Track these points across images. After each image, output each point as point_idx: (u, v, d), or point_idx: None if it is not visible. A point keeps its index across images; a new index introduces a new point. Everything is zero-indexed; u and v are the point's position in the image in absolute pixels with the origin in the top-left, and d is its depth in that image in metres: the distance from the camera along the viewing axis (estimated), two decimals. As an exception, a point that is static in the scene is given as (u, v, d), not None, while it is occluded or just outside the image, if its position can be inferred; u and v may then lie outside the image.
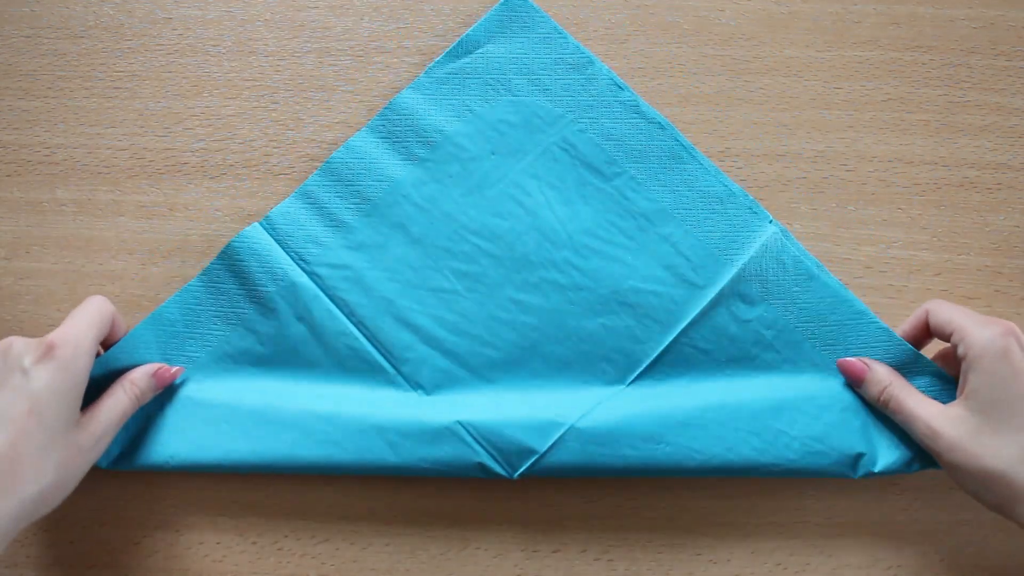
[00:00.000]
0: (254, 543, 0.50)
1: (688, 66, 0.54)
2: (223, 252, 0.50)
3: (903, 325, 0.50)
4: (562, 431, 0.48)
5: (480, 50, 0.53)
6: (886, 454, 0.48)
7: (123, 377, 0.47)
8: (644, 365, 0.50)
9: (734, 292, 0.50)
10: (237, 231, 0.52)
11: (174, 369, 0.49)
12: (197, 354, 0.50)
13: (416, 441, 0.48)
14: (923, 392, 0.47)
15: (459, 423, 0.48)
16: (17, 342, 0.43)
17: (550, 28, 0.53)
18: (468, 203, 0.51)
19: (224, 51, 0.54)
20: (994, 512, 0.44)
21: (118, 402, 0.46)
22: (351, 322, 0.50)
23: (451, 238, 0.51)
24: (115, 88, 0.54)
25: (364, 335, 0.50)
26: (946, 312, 0.46)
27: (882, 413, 0.48)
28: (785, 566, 0.50)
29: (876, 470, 0.48)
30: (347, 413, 0.48)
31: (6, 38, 0.54)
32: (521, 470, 0.48)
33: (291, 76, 0.54)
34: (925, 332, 0.48)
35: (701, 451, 0.48)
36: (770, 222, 0.51)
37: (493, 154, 0.52)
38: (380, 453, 0.48)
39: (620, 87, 0.52)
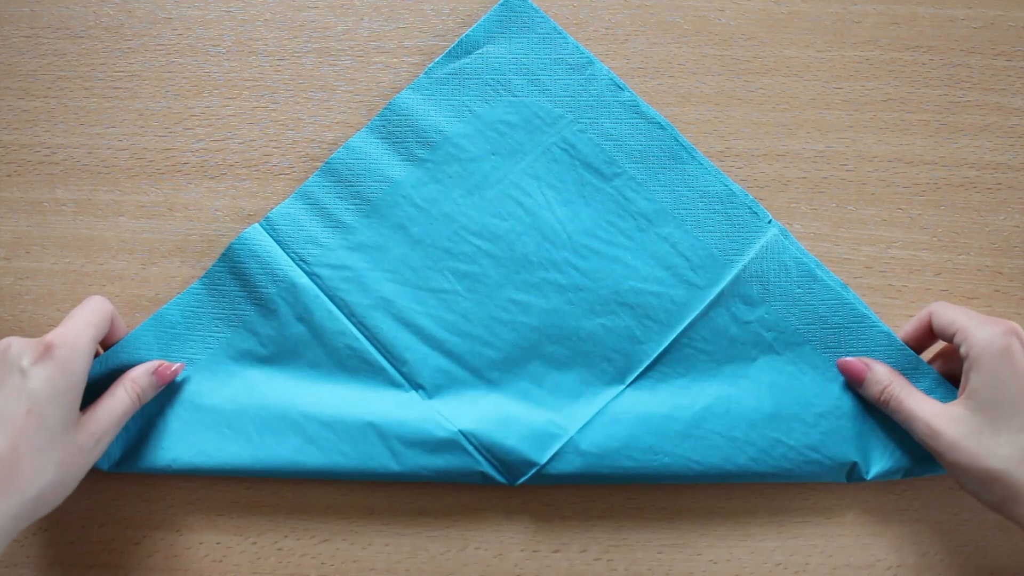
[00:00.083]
0: (254, 543, 0.50)
1: (688, 66, 0.54)
2: (224, 254, 0.50)
3: (906, 327, 0.50)
4: (562, 443, 0.48)
5: (480, 50, 0.53)
6: (879, 462, 0.48)
7: (123, 376, 0.47)
8: (644, 365, 0.50)
9: (734, 293, 0.50)
10: (237, 231, 0.52)
11: (175, 366, 0.49)
12: (198, 356, 0.50)
13: (418, 450, 0.48)
14: (922, 394, 0.48)
15: (461, 433, 0.48)
16: (15, 342, 0.43)
17: (550, 28, 0.53)
18: (468, 203, 0.51)
19: (224, 51, 0.54)
20: (994, 512, 0.44)
21: (118, 401, 0.46)
22: (351, 322, 0.50)
23: (451, 238, 0.51)
24: (115, 88, 0.54)
25: (364, 335, 0.50)
26: (949, 313, 0.46)
27: (879, 417, 0.49)
28: (785, 566, 0.50)
29: (868, 478, 0.48)
30: (349, 419, 0.48)
31: (6, 38, 0.54)
32: (522, 480, 0.48)
33: (291, 76, 0.54)
34: (928, 334, 0.48)
35: (699, 461, 0.48)
36: (769, 222, 0.51)
37: (493, 154, 0.52)
38: (383, 461, 0.48)
39: (620, 87, 0.52)
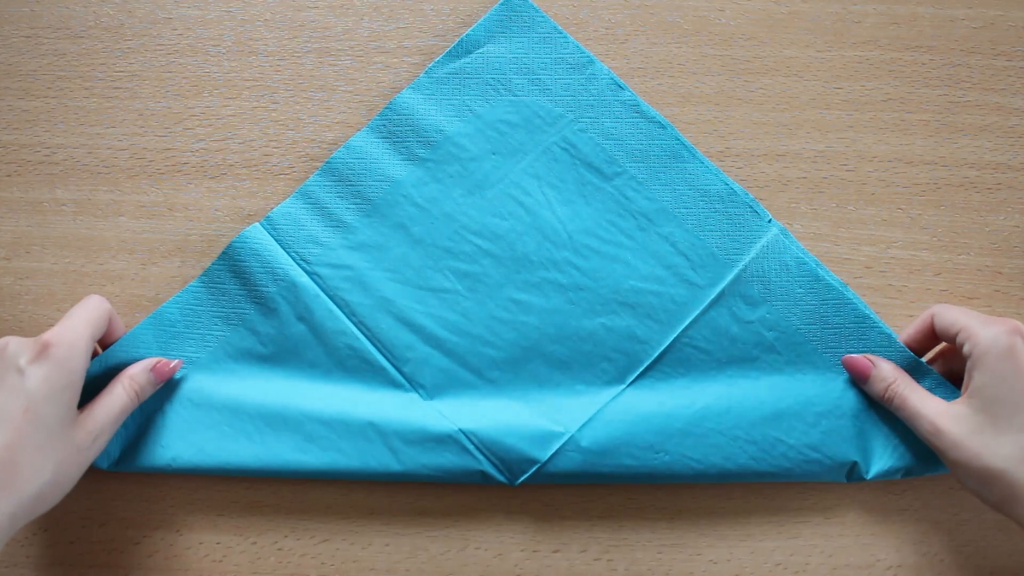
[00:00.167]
0: (254, 543, 0.50)
1: (688, 66, 0.54)
2: (224, 252, 0.50)
3: (907, 329, 0.50)
4: (562, 441, 0.48)
5: (480, 50, 0.53)
6: (879, 462, 0.49)
7: (121, 374, 0.47)
8: (644, 365, 0.50)
9: (735, 292, 0.50)
10: (237, 231, 0.52)
11: (173, 363, 0.48)
12: (198, 354, 0.50)
13: (419, 449, 0.48)
14: (922, 396, 0.48)
15: (461, 431, 0.48)
16: (13, 342, 0.43)
17: (550, 28, 0.53)
18: (468, 203, 0.51)
19: (224, 51, 0.54)
20: (995, 510, 0.44)
21: (117, 399, 0.46)
22: (352, 322, 0.50)
23: (452, 238, 0.51)
24: (115, 88, 0.54)
25: (365, 335, 0.50)
26: (951, 314, 0.46)
27: (879, 417, 0.49)
28: (785, 566, 0.50)
29: (868, 477, 0.49)
30: (349, 417, 0.48)
31: (6, 38, 0.54)
32: (522, 479, 0.48)
33: (291, 76, 0.54)
34: (930, 336, 0.48)
35: (699, 460, 0.48)
36: (770, 222, 0.51)
37: (493, 154, 0.52)
38: (383, 460, 0.48)
39: (620, 87, 0.52)
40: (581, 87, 0.52)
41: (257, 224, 0.51)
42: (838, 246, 0.53)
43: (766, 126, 0.54)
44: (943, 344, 0.50)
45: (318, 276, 0.50)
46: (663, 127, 0.52)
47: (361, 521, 0.50)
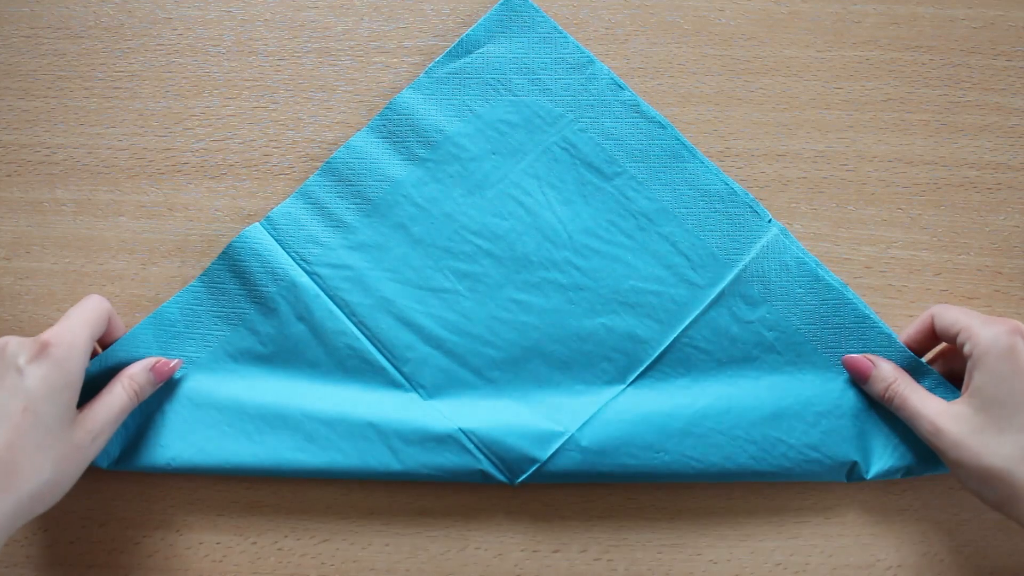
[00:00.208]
0: (254, 543, 0.50)
1: (688, 66, 0.54)
2: (224, 252, 0.50)
3: (907, 329, 0.50)
4: (563, 440, 0.48)
5: (480, 50, 0.53)
6: (879, 462, 0.49)
7: (121, 373, 0.47)
8: (645, 365, 0.50)
9: (735, 292, 0.50)
10: (237, 231, 0.52)
11: (173, 362, 0.48)
12: (198, 354, 0.50)
13: (419, 448, 0.48)
14: (922, 396, 0.48)
15: (461, 430, 0.48)
16: (12, 341, 0.43)
17: (550, 28, 0.53)
18: (468, 203, 0.51)
19: (224, 51, 0.54)
20: (995, 510, 0.44)
21: (116, 398, 0.46)
22: (352, 322, 0.50)
23: (452, 238, 0.51)
24: (115, 88, 0.54)
25: (365, 335, 0.50)
26: (952, 314, 0.46)
27: (879, 417, 0.49)
28: (785, 566, 0.50)
29: (868, 477, 0.49)
30: (349, 417, 0.48)
31: (6, 38, 0.54)
32: (522, 478, 0.48)
33: (291, 76, 0.54)
34: (930, 336, 0.48)
35: (700, 459, 0.48)
36: (770, 222, 0.51)
37: (493, 154, 0.52)
38: (383, 459, 0.48)
39: (620, 87, 0.52)
40: (581, 87, 0.52)
41: (257, 224, 0.51)
42: (838, 246, 0.53)
43: (766, 126, 0.54)
44: (943, 344, 0.50)
45: (318, 276, 0.50)
46: (663, 127, 0.52)
47: (361, 521, 0.50)
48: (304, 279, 0.50)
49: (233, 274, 0.50)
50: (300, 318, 0.50)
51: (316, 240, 0.51)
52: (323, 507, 0.50)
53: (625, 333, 0.50)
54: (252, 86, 0.54)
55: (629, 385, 0.50)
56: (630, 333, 0.50)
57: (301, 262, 0.51)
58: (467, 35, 0.53)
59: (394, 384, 0.50)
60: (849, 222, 0.53)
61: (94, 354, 0.47)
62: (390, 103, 0.52)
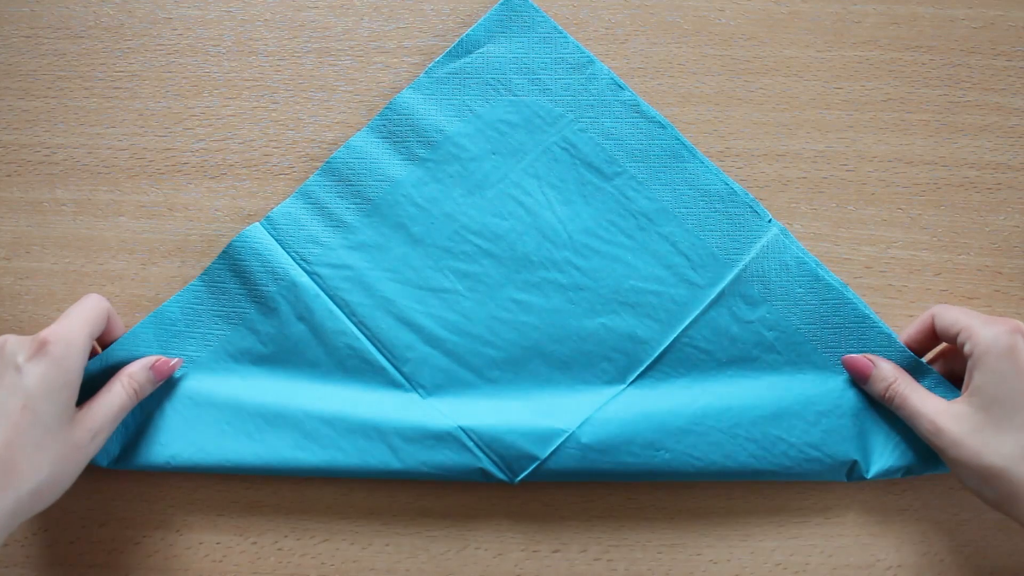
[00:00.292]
0: (254, 543, 0.50)
1: (688, 66, 0.54)
2: (224, 252, 0.50)
3: (908, 329, 0.50)
4: (563, 438, 0.48)
5: (480, 50, 0.53)
6: (879, 461, 0.49)
7: (120, 372, 0.47)
8: (645, 365, 0.50)
9: (735, 292, 0.50)
10: (237, 231, 0.52)
11: (173, 361, 0.48)
12: (198, 353, 0.50)
13: (418, 446, 0.48)
14: (922, 395, 0.48)
15: (461, 428, 0.48)
16: (11, 340, 0.43)
17: (550, 28, 0.53)
18: (468, 203, 0.51)
19: (224, 51, 0.54)
20: (994, 509, 0.44)
21: (115, 396, 0.46)
22: (352, 322, 0.50)
23: (452, 238, 0.51)
24: (115, 88, 0.54)
25: (365, 335, 0.50)
26: (952, 314, 0.46)
27: (880, 416, 0.49)
28: (785, 566, 0.50)
29: (868, 476, 0.48)
30: (349, 416, 0.48)
31: (6, 38, 0.54)
32: (522, 476, 0.48)
33: (291, 76, 0.54)
34: (930, 336, 0.48)
35: (700, 458, 0.48)
36: (770, 222, 0.51)
37: (493, 154, 0.52)
38: (382, 457, 0.48)
39: (620, 87, 0.52)
40: (581, 87, 0.52)
41: (257, 224, 0.51)
42: (838, 246, 0.53)
43: (766, 126, 0.54)
44: (943, 344, 0.50)
45: (318, 276, 0.50)
46: (663, 127, 0.52)
47: (361, 521, 0.50)
48: (304, 279, 0.50)
49: (233, 274, 0.50)
50: (300, 318, 0.50)
51: (316, 240, 0.51)
52: (323, 507, 0.50)
53: (625, 333, 0.50)
54: (252, 86, 0.54)
55: (629, 385, 0.50)
56: (630, 333, 0.50)
57: (301, 262, 0.51)
58: (467, 35, 0.53)
59: (394, 384, 0.50)
60: (849, 222, 0.53)
61: (93, 353, 0.47)
62: (390, 103, 0.52)
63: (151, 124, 0.54)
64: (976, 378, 0.44)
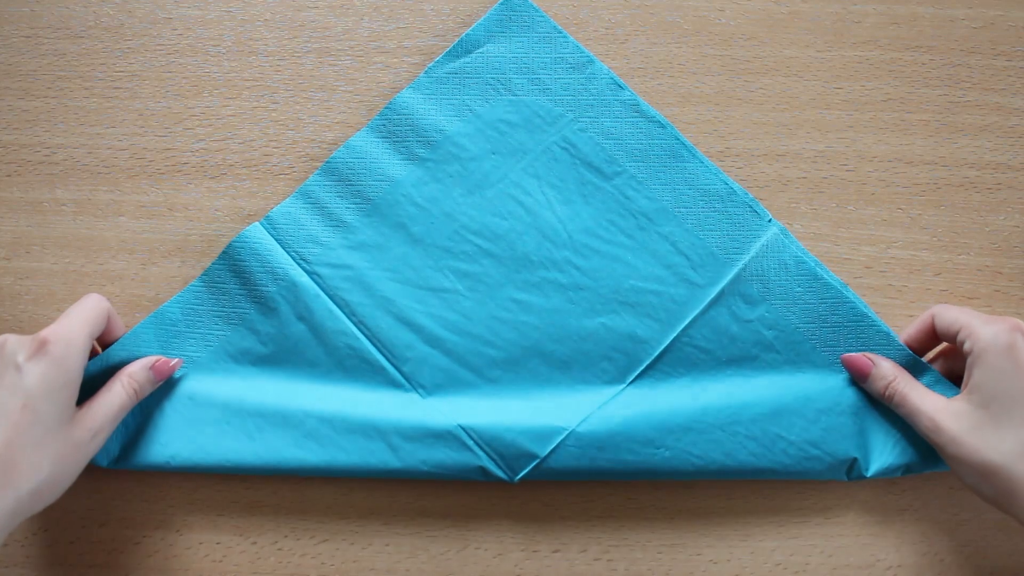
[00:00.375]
0: (254, 543, 0.50)
1: (688, 66, 0.54)
2: (224, 252, 0.50)
3: (908, 329, 0.50)
4: (563, 436, 0.48)
5: (480, 50, 0.53)
6: (879, 459, 0.49)
7: (121, 371, 0.47)
8: (645, 364, 0.50)
9: (735, 292, 0.50)
10: (237, 231, 0.52)
11: (173, 361, 0.49)
12: (198, 354, 0.50)
13: (418, 444, 0.48)
14: (922, 393, 0.48)
15: (460, 427, 0.48)
16: (11, 339, 0.43)
17: (549, 27, 0.53)
18: (468, 203, 0.51)
19: (224, 51, 0.54)
20: (992, 506, 0.44)
21: (115, 396, 0.46)
22: (352, 322, 0.50)
23: (452, 238, 0.51)
24: (115, 88, 0.54)
25: (365, 335, 0.50)
26: (952, 313, 0.46)
27: (879, 414, 0.49)
28: (785, 566, 0.50)
29: (868, 475, 0.48)
30: (349, 415, 0.48)
31: (6, 38, 0.54)
32: (522, 474, 0.48)
33: (291, 76, 0.54)
34: (930, 336, 0.48)
35: (700, 456, 0.48)
36: (770, 221, 0.51)
37: (493, 153, 0.52)
38: (382, 456, 0.48)
39: (620, 86, 0.52)
40: (581, 87, 0.52)
41: (257, 224, 0.51)
42: (838, 246, 0.53)
43: (766, 126, 0.54)
44: (943, 344, 0.50)
45: (318, 276, 0.50)
46: (663, 126, 0.52)
47: (361, 521, 0.50)
48: (304, 279, 0.50)
49: (233, 274, 0.50)
50: (300, 318, 0.50)
51: (316, 240, 0.51)
52: (323, 507, 0.50)
53: (625, 333, 0.50)
54: (252, 86, 0.54)
55: (629, 384, 0.50)
56: (630, 333, 0.50)
57: (301, 262, 0.51)
58: (467, 35, 0.53)
59: (394, 384, 0.50)
60: (849, 222, 0.53)
61: (94, 353, 0.47)
62: (390, 103, 0.52)
63: (151, 124, 0.54)
64: (976, 375, 0.44)
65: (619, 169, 0.51)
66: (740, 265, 0.50)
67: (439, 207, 0.51)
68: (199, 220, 0.53)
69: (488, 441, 0.48)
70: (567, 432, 0.48)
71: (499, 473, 0.48)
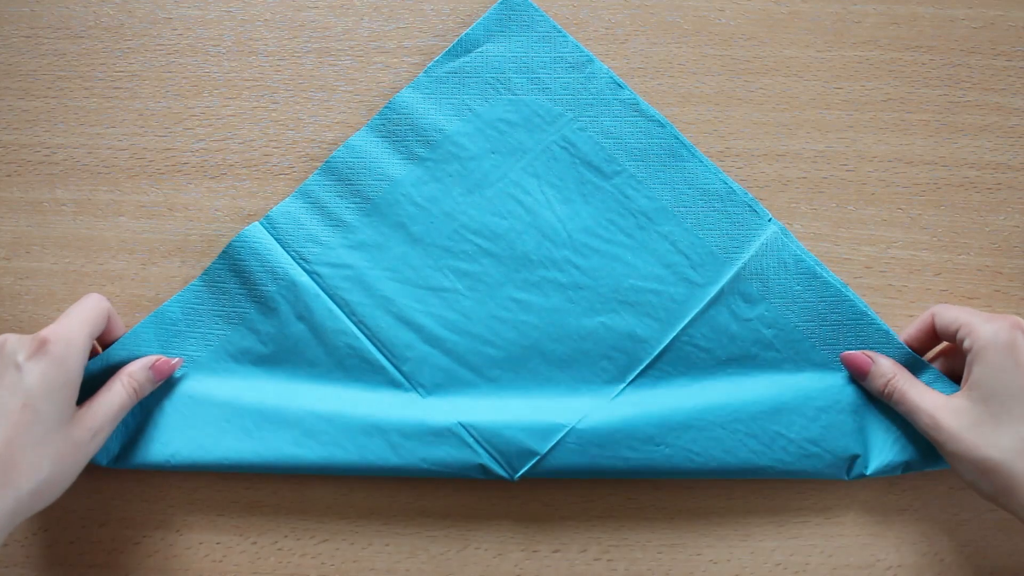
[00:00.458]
0: (254, 543, 0.50)
1: (688, 66, 0.54)
2: (224, 252, 0.50)
3: (908, 329, 0.50)
4: (563, 433, 0.48)
5: (479, 49, 0.53)
6: (879, 457, 0.49)
7: (121, 371, 0.47)
8: (644, 364, 0.50)
9: (734, 291, 0.50)
10: (237, 231, 0.52)
11: (173, 361, 0.49)
12: (198, 353, 0.50)
13: (417, 442, 0.48)
14: (922, 391, 0.48)
15: (460, 424, 0.48)
16: (11, 339, 0.43)
17: (549, 27, 0.53)
18: (468, 202, 0.51)
19: (224, 51, 0.54)
20: (991, 502, 0.45)
21: (115, 395, 0.46)
22: (352, 321, 0.50)
23: (451, 237, 0.51)
24: (115, 88, 0.54)
25: (365, 334, 0.50)
26: (952, 312, 0.47)
27: (879, 412, 0.49)
28: (785, 566, 0.50)
29: (868, 472, 0.48)
30: (348, 413, 0.48)
31: (6, 38, 0.54)
32: (522, 471, 0.48)
33: (291, 76, 0.54)
34: (931, 335, 0.49)
35: (700, 453, 0.48)
36: (769, 220, 0.51)
37: (493, 153, 0.52)
38: (381, 454, 0.48)
39: (619, 86, 0.52)
40: (580, 86, 0.52)
41: (257, 223, 0.51)
42: (838, 246, 0.53)
43: (766, 126, 0.54)
44: (943, 344, 0.50)
45: (318, 275, 0.50)
46: (662, 126, 0.52)
47: (361, 521, 0.50)
48: (304, 278, 0.50)
49: (233, 273, 0.50)
50: (300, 317, 0.50)
51: (316, 239, 0.51)
52: (323, 507, 0.50)
53: (625, 332, 0.50)
54: (252, 86, 0.54)
55: (629, 383, 0.50)
56: (630, 332, 0.50)
57: (301, 261, 0.51)
58: (466, 34, 0.53)
59: (394, 383, 0.50)
60: (849, 222, 0.53)
61: (94, 353, 0.47)
62: (390, 102, 0.52)
63: (151, 124, 0.54)
64: (975, 372, 0.44)
65: (619, 168, 0.51)
66: (739, 264, 0.50)
67: (439, 206, 0.51)
68: (199, 220, 0.53)
69: (488, 438, 0.48)
70: (567, 429, 0.48)
71: (499, 471, 0.48)
